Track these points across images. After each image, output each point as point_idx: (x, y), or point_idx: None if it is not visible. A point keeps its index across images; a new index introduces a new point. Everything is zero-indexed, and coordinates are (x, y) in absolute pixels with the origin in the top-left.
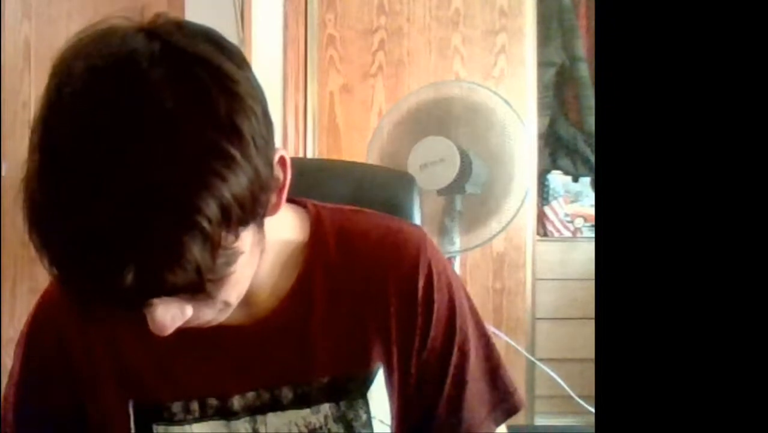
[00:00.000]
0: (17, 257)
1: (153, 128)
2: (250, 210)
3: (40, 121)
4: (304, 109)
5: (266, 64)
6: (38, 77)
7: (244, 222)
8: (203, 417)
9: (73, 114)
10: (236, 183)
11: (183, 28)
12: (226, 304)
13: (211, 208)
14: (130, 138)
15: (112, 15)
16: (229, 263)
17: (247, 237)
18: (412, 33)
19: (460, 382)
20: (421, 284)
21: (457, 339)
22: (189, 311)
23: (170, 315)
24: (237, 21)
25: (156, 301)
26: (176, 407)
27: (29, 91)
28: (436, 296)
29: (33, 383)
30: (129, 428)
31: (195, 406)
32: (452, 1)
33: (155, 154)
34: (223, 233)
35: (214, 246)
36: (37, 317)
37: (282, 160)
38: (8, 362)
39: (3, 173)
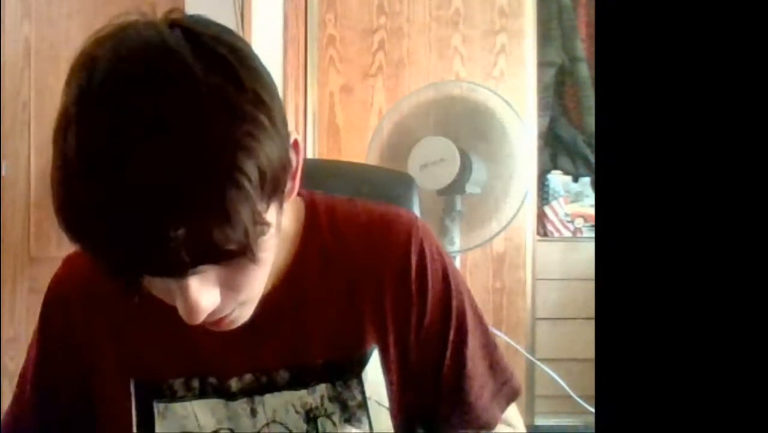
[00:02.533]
0: (17, 257)
1: (187, 98)
2: (280, 178)
3: (74, 106)
4: (304, 109)
5: (266, 64)
6: (38, 77)
7: (274, 190)
8: (203, 395)
9: (109, 94)
10: (269, 147)
11: (199, 19)
12: (250, 295)
13: (249, 168)
14: (166, 109)
15: (126, 12)
16: (264, 232)
17: (272, 212)
18: (412, 33)
19: (460, 363)
20: (414, 263)
21: (454, 318)
22: (218, 297)
23: (204, 298)
24: (237, 21)
25: (192, 277)
26: (177, 384)
27: (29, 91)
28: (429, 275)
29: (46, 361)
30: (130, 406)
31: (196, 383)
32: (452, 1)
33: (192, 122)
34: (258, 198)
35: (254, 208)
36: (48, 296)
37: (296, 143)
38: (8, 362)
39: (3, 173)
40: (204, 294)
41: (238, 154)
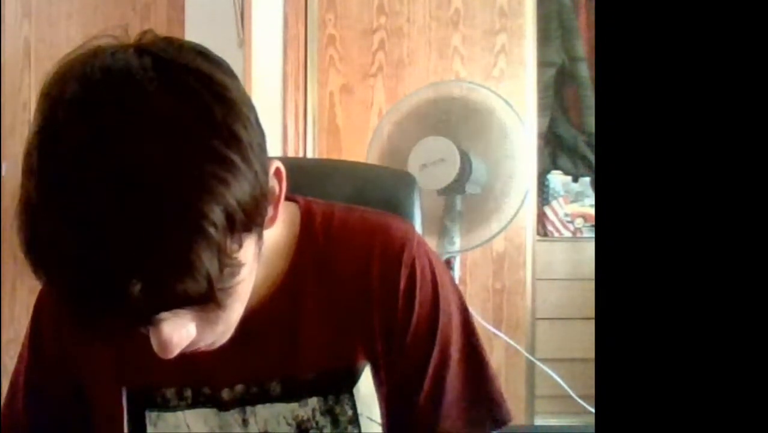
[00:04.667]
0: (17, 257)
1: (152, 137)
2: (253, 216)
3: (36, 143)
4: (304, 109)
5: (266, 64)
6: (38, 77)
7: (247, 229)
8: (196, 404)
9: (71, 131)
10: (238, 188)
11: (171, 42)
12: (227, 325)
13: (216, 214)
14: (130, 149)
15: (98, 35)
16: (234, 273)
17: (249, 247)
18: (412, 33)
19: (439, 387)
20: (403, 279)
21: (439, 340)
22: (193, 331)
23: (177, 334)
24: (237, 21)
25: (163, 319)
26: (170, 393)
27: (29, 91)
28: (418, 292)
29: (37, 368)
30: (122, 414)
31: (188, 393)
32: (452, 1)
33: (156, 164)
34: (228, 241)
35: (221, 253)
36: (39, 303)
37: (278, 171)
38: (8, 362)
39: (3, 173)
40: (176, 332)
41: (203, 200)
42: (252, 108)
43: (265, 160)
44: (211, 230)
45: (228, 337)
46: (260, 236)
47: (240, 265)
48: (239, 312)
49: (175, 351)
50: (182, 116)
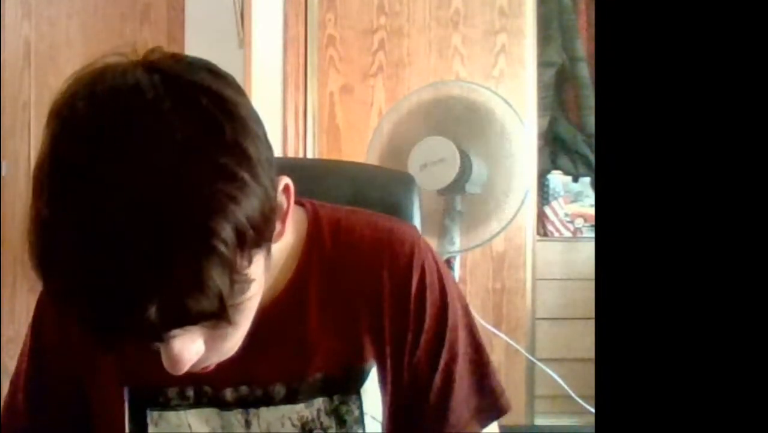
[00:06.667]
0: (17, 257)
1: (163, 156)
2: (262, 232)
3: (47, 162)
4: (304, 109)
5: (266, 64)
6: (38, 77)
7: (257, 245)
8: (198, 404)
9: (80, 151)
10: (248, 205)
11: (179, 59)
12: (234, 342)
13: (227, 232)
14: (141, 168)
15: (107, 54)
16: (244, 289)
17: (258, 262)
18: (412, 33)
19: (448, 382)
20: (414, 283)
21: (447, 339)
22: (202, 347)
23: (187, 351)
24: (237, 21)
25: (174, 336)
26: (172, 392)
27: (29, 91)
28: (428, 295)
29: (38, 367)
30: (124, 413)
31: (190, 392)
32: (452, 1)
33: (167, 183)
34: (238, 258)
35: (232, 271)
36: (40, 302)
37: (287, 188)
38: (8, 361)
39: (3, 173)
40: (187, 348)
41: (214, 218)
42: (260, 123)
43: (274, 176)
44: (222, 247)
45: (233, 352)
46: (269, 251)
47: (250, 281)
48: (246, 328)
49: (185, 367)
50: (193, 134)
